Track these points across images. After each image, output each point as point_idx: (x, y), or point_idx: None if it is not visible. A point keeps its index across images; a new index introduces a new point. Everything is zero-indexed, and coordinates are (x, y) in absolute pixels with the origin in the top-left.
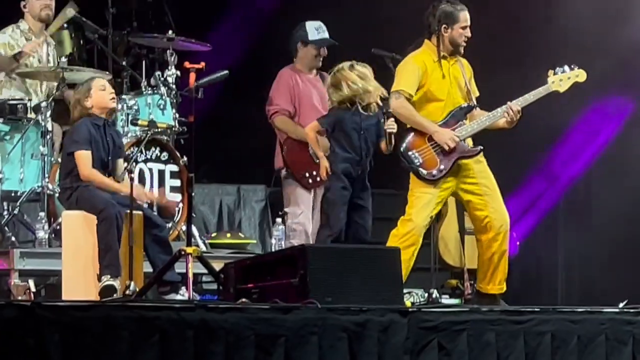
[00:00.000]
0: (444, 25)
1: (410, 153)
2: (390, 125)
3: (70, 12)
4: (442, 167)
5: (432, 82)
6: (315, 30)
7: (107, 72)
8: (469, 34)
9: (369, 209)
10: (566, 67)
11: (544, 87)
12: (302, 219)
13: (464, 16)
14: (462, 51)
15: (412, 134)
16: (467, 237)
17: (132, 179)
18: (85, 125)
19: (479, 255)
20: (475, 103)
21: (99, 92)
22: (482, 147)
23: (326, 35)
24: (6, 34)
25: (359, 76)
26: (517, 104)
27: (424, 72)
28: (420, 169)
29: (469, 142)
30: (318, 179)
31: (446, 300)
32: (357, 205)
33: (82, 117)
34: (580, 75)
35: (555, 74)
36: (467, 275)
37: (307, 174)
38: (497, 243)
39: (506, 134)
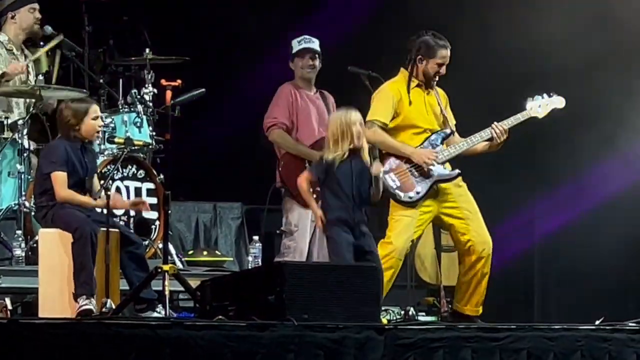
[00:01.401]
0: (419, 57)
1: (387, 176)
2: (377, 169)
3: (58, 38)
4: (418, 189)
5: (408, 110)
6: (298, 42)
7: (84, 90)
8: (444, 72)
9: (374, 252)
10: (545, 95)
11: (522, 114)
12: (297, 237)
13: (443, 53)
14: (434, 85)
15: (390, 157)
16: (444, 255)
17: (108, 197)
18: (62, 146)
19: (459, 276)
20: (453, 129)
21: (91, 120)
22: (459, 171)
23: (308, 45)
24: None
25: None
26: (504, 124)
27: (399, 100)
28: (397, 191)
29: (448, 166)
30: (315, 195)
31: (423, 317)
32: (362, 250)
33: (65, 136)
34: (559, 102)
35: (533, 100)
36: (443, 293)
37: None
38: (480, 265)
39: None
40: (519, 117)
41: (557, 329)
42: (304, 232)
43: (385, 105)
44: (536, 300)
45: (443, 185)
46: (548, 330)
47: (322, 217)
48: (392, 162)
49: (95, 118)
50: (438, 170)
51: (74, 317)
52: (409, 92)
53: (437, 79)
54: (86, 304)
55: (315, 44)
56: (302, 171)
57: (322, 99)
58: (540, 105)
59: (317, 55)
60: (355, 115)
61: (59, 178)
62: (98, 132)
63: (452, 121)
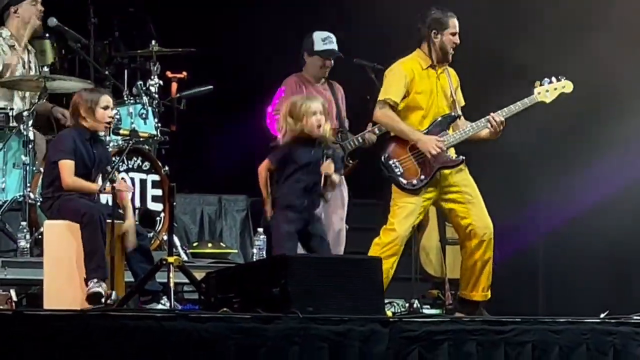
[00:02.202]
0: (433, 31)
1: (391, 162)
2: (327, 168)
3: (51, 21)
4: (422, 176)
5: (418, 91)
6: (322, 40)
7: (89, 82)
8: (458, 41)
9: (325, 239)
10: (553, 78)
11: (529, 98)
12: None
13: (453, 22)
14: (451, 58)
15: (393, 143)
16: (449, 247)
17: (113, 188)
18: (70, 136)
19: (462, 262)
20: (459, 113)
21: (101, 110)
22: (464, 157)
23: (332, 46)
24: None
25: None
26: (500, 115)
27: (411, 80)
28: (401, 178)
29: (452, 152)
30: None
31: (427, 310)
32: (312, 235)
33: (75, 126)
34: (566, 86)
35: (541, 84)
36: (448, 285)
37: None
38: (481, 250)
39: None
40: (526, 102)
41: (562, 322)
42: None
43: (397, 84)
44: (541, 292)
45: (445, 171)
46: (553, 324)
47: (268, 208)
48: (395, 147)
49: (106, 108)
50: (443, 156)
51: (79, 308)
52: (422, 70)
53: (452, 50)
54: (96, 287)
55: (336, 45)
56: None
57: (331, 90)
58: (548, 90)
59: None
60: (315, 104)
61: (66, 166)
62: (109, 122)
63: (460, 103)
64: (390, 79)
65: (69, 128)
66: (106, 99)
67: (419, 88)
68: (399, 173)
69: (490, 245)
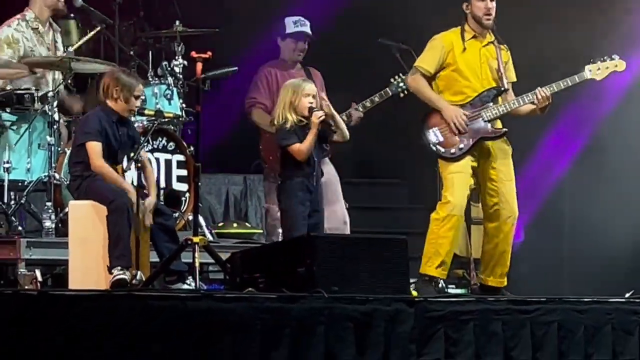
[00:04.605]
0: (465, 3)
1: (430, 131)
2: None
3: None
4: (461, 145)
5: (460, 62)
6: (293, 23)
7: (114, 63)
8: (492, 5)
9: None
10: (606, 57)
11: (578, 75)
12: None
13: None
14: (489, 24)
15: (435, 112)
16: (474, 227)
17: (139, 169)
18: (97, 117)
19: (483, 245)
20: (507, 87)
21: (132, 98)
22: (506, 130)
23: (303, 28)
24: (11, 27)
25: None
26: (547, 90)
27: (449, 51)
28: (439, 146)
29: (498, 123)
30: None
31: (452, 290)
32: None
33: (102, 107)
34: (619, 65)
35: (594, 62)
36: (473, 265)
37: None
38: (502, 234)
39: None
40: (575, 79)
41: (588, 301)
42: None
43: (433, 54)
44: (566, 272)
45: (489, 144)
46: (578, 303)
47: None
48: (435, 116)
49: (137, 97)
50: (484, 126)
51: (104, 289)
52: (463, 42)
53: (487, 17)
54: (120, 274)
55: (308, 27)
56: None
57: (307, 75)
58: (599, 69)
59: (308, 38)
60: (309, 87)
61: (94, 148)
62: (133, 111)
63: (511, 78)
64: (428, 47)
65: (96, 109)
66: (140, 89)
67: (460, 59)
68: (437, 142)
69: (511, 232)
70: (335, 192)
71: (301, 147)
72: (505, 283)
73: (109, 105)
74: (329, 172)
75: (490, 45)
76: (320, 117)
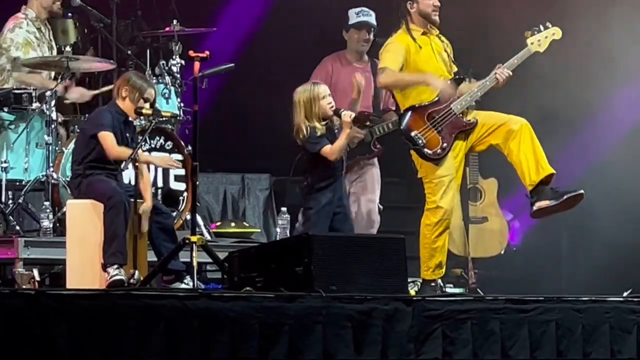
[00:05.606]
0: (408, 2)
1: (412, 134)
2: (347, 116)
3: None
4: (444, 144)
5: (418, 58)
6: (355, 14)
7: (112, 61)
8: (438, 3)
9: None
10: (541, 27)
11: (524, 51)
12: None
13: None
14: (437, 20)
15: (409, 113)
16: (471, 226)
17: (136, 168)
18: (108, 112)
19: (515, 160)
20: (465, 75)
21: (142, 100)
22: (477, 120)
23: (366, 18)
24: (23, 30)
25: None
26: (507, 70)
27: (407, 51)
28: (425, 149)
29: (471, 114)
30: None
31: (450, 289)
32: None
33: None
34: (556, 32)
35: (532, 34)
36: (471, 264)
37: None
38: (525, 135)
39: None
40: (524, 55)
41: (586, 300)
42: None
43: (395, 54)
44: (564, 271)
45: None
46: (576, 302)
47: None
48: (413, 119)
49: (147, 100)
50: (458, 120)
51: (101, 288)
52: (415, 41)
53: (435, 13)
54: (117, 274)
55: (372, 18)
56: None
57: (373, 67)
58: (539, 40)
59: (372, 29)
60: (322, 88)
61: (109, 137)
62: (139, 114)
63: (454, 69)
64: (387, 50)
65: (105, 106)
66: (151, 93)
67: (417, 58)
68: (422, 144)
69: (529, 129)
70: (374, 191)
71: (333, 148)
72: (552, 170)
73: (118, 104)
74: (376, 174)
75: (436, 39)
76: (351, 116)
